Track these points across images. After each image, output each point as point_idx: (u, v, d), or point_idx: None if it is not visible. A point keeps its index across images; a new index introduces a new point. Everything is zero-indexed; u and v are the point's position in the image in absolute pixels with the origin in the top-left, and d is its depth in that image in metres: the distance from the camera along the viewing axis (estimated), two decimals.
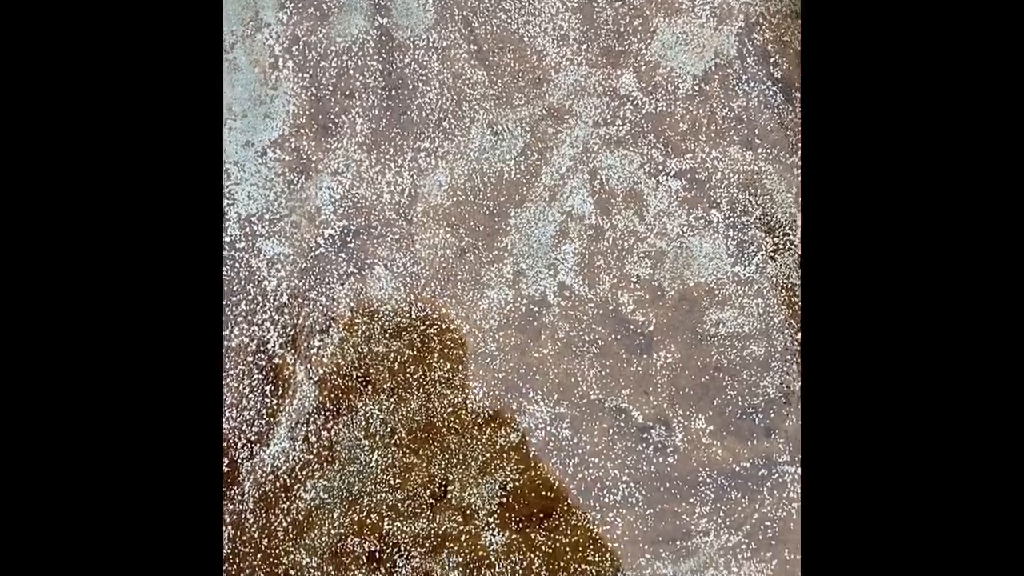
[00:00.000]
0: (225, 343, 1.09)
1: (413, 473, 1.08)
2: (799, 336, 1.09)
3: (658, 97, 1.12)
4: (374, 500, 1.08)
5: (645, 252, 1.10)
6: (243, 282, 1.10)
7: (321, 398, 1.09)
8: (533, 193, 1.11)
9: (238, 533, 1.08)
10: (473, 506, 1.08)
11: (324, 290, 1.10)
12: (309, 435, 1.08)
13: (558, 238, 1.10)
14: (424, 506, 1.08)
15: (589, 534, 1.07)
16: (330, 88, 1.11)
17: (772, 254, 1.10)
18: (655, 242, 1.10)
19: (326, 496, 1.08)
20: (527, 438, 1.08)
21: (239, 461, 1.09)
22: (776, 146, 1.11)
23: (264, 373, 1.09)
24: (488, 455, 1.08)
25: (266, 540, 1.08)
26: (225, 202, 1.10)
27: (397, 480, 1.08)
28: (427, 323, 1.09)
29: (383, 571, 1.07)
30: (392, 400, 1.09)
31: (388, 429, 1.08)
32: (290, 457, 1.08)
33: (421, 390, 1.09)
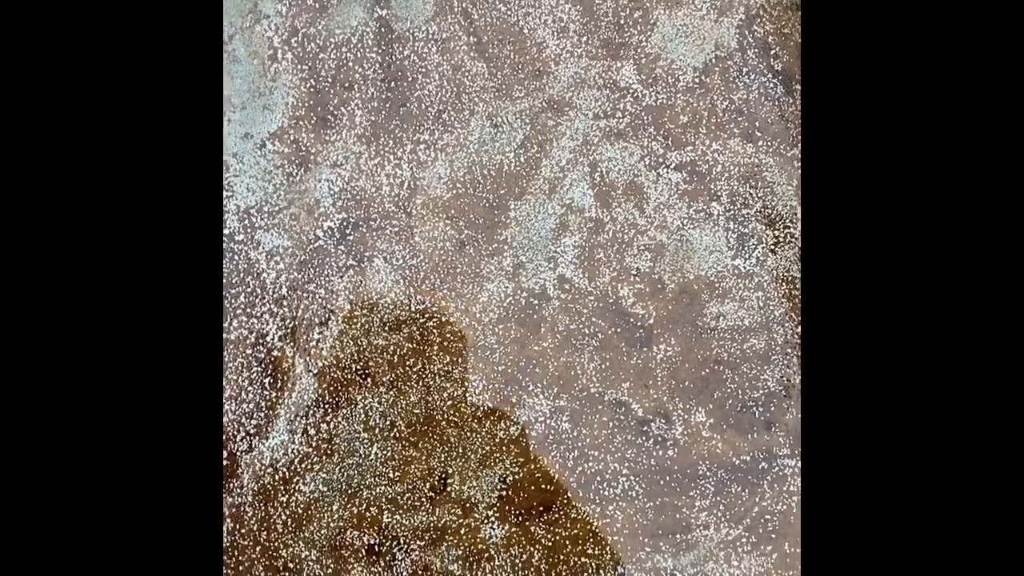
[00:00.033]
0: (224, 335, 1.09)
1: (412, 466, 1.08)
2: (799, 329, 1.08)
3: (658, 89, 1.11)
4: (373, 493, 1.08)
5: (645, 245, 1.10)
6: (242, 274, 1.09)
7: (320, 391, 1.09)
8: (533, 186, 1.10)
9: (237, 526, 1.08)
10: (473, 499, 1.08)
11: (323, 283, 1.09)
12: (308, 428, 1.08)
13: (558, 231, 1.10)
14: (424, 499, 1.08)
15: (589, 527, 1.07)
16: (329, 80, 1.11)
17: (772, 247, 1.10)
18: (655, 235, 1.10)
19: (325, 489, 1.08)
20: (527, 431, 1.08)
21: (238, 454, 1.08)
22: (777, 138, 1.10)
23: (263, 366, 1.09)
24: (488, 448, 1.08)
25: (265, 533, 1.08)
26: (224, 194, 1.10)
27: (396, 473, 1.08)
28: (427, 316, 1.09)
29: (382, 564, 1.07)
30: (391, 393, 1.08)
31: (387, 422, 1.08)
32: (289, 450, 1.08)
33: (421, 383, 1.09)
